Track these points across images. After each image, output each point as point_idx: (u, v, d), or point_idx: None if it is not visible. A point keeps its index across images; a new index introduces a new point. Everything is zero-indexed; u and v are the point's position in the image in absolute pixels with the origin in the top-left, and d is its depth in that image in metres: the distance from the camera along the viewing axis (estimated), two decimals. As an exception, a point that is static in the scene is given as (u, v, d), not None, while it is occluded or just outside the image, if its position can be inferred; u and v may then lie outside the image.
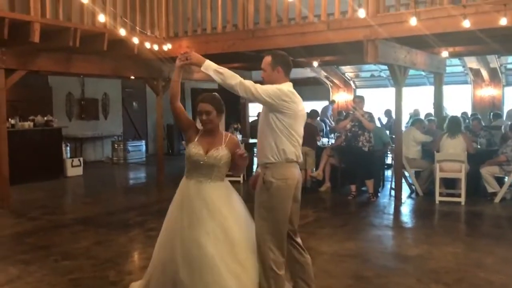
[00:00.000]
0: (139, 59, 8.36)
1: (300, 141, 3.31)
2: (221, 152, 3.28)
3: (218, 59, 9.84)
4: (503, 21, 5.24)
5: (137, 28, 7.40)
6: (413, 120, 8.89)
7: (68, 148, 11.23)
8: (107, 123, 13.60)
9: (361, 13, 5.96)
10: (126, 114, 14.36)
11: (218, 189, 3.29)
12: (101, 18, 6.22)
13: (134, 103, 14.63)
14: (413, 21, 5.60)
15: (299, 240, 3.43)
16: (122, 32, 6.59)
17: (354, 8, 6.54)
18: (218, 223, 3.17)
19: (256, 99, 3.15)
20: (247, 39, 7.43)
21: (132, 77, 10.40)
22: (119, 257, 4.91)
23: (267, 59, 3.33)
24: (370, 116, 7.83)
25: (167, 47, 7.64)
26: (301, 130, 3.32)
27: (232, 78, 3.13)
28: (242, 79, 3.14)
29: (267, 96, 3.14)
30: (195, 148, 3.29)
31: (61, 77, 11.42)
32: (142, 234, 5.87)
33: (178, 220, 3.27)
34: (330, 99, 16.36)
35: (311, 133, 8.15)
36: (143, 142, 13.87)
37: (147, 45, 7.18)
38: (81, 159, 11.08)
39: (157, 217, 6.53)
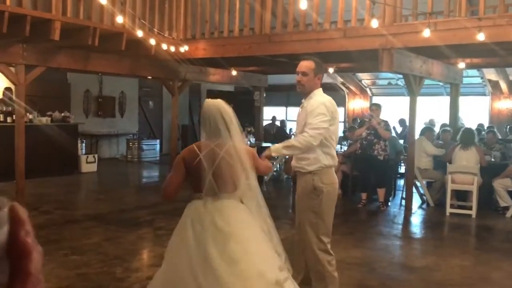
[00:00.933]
0: (156, 60, 8.46)
1: (335, 144, 3.53)
2: None
3: (234, 62, 9.99)
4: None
5: (155, 29, 7.49)
6: (422, 129, 8.79)
7: (84, 144, 11.40)
8: (123, 121, 13.77)
9: (374, 23, 5.96)
10: (142, 113, 14.53)
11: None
12: (119, 19, 6.33)
13: (150, 103, 14.80)
14: (426, 33, 5.60)
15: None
16: (140, 33, 6.69)
17: (370, 17, 6.55)
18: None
19: (318, 140, 3.31)
20: (263, 44, 7.48)
21: (149, 77, 10.53)
22: (127, 254, 4.99)
23: (310, 64, 3.46)
24: (386, 124, 7.81)
25: (184, 48, 7.72)
26: (337, 135, 3.57)
27: (298, 145, 3.32)
28: (302, 140, 3.31)
29: (323, 129, 3.32)
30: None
31: (79, 74, 11.59)
32: (152, 232, 5.95)
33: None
34: (345, 106, 16.34)
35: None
36: (158, 141, 14.01)
37: (164, 46, 7.27)
38: (96, 155, 11.24)
39: (166, 217, 6.64)
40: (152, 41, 6.87)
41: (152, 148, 13.62)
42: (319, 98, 3.43)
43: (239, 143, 2.80)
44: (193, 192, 2.86)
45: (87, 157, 10.89)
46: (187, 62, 8.62)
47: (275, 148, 3.33)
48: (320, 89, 3.55)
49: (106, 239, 5.53)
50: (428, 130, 8.62)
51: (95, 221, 6.42)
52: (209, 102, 2.92)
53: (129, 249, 5.19)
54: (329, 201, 3.42)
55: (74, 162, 10.53)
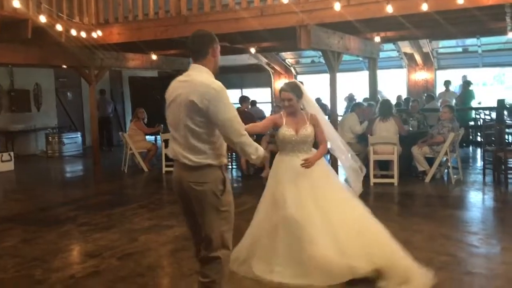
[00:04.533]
0: (68, 47, 7.99)
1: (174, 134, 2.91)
2: (309, 130, 3.98)
3: (153, 46, 9.60)
4: (424, 7, 5.40)
5: (63, 15, 7.04)
6: (353, 106, 9.01)
7: (-3, 142, 10.67)
8: (40, 115, 12.98)
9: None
10: (60, 105, 13.77)
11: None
12: (16, 3, 5.84)
13: (68, 94, 14.05)
14: (337, 6, 5.68)
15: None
16: (42, 19, 6.24)
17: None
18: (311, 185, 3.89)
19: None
20: (180, 25, 7.27)
21: (64, 66, 9.97)
22: (47, 255, 4.70)
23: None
24: None
25: (96, 34, 7.33)
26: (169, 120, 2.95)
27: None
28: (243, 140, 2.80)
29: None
30: (287, 131, 3.96)
31: (-15, 67, 10.79)
32: (75, 229, 5.65)
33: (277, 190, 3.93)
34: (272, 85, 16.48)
35: (247, 120, 8.14)
36: (79, 134, 13.36)
37: (73, 32, 6.86)
38: (12, 153, 10.54)
39: (91, 211, 6.36)
40: (59, 27, 6.44)
41: (74, 141, 12.97)
42: None
43: None
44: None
45: (2, 155, 10.19)
46: (101, 49, 8.22)
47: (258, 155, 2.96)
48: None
49: (23, 241, 5.18)
50: (357, 106, 8.82)
51: (11, 222, 6.00)
52: None
53: (49, 249, 4.89)
54: None
55: (-13, 162, 9.82)
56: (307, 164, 3.82)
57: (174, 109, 2.84)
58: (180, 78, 2.91)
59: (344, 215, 3.91)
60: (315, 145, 4.15)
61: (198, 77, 2.79)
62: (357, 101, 11.56)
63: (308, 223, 3.75)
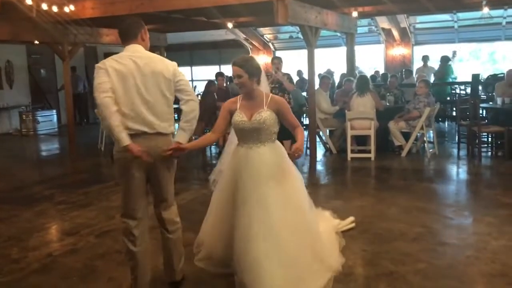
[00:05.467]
0: (40, 23, 7.75)
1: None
2: (264, 115, 3.24)
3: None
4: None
5: (33, -13, 6.81)
6: (320, 80, 8.99)
7: (-31, 121, 10.40)
8: (13, 93, 12.69)
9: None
10: (34, 83, 13.44)
11: (268, 153, 3.28)
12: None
13: (42, 71, 13.70)
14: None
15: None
16: (11, -9, 6.04)
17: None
18: (263, 192, 3.18)
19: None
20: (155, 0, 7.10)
21: (36, 42, 9.69)
22: (23, 234, 4.65)
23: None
24: (289, 77, 7.85)
25: (69, 8, 7.12)
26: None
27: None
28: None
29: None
30: (238, 116, 3.30)
31: (-46, 43, 10.43)
32: (51, 208, 5.59)
33: (229, 192, 3.34)
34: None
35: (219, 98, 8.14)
36: (54, 112, 13.10)
37: (44, 6, 6.65)
38: (-15, 132, 10.31)
39: (67, 190, 6.30)
40: (29, 1, 6.24)
41: (49, 119, 12.74)
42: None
43: None
44: None
45: (-26, 134, 9.96)
46: (74, 24, 8.00)
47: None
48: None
49: (-2, 220, 5.11)
50: (322, 79, 8.81)
51: (-15, 202, 5.90)
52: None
53: (25, 228, 4.84)
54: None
55: (-42, 141, 9.58)
56: (297, 154, 3.12)
57: (138, 81, 3.01)
58: (127, 54, 3.08)
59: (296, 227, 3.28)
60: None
61: (149, 54, 3.15)
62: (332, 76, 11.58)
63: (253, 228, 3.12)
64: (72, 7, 7.30)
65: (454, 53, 13.47)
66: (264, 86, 3.51)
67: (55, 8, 6.84)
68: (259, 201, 3.14)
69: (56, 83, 13.96)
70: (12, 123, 12.64)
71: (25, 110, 12.52)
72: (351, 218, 4.54)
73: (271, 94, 3.43)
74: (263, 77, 3.48)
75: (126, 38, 3.14)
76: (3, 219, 5.15)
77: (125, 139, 2.91)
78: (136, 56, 3.05)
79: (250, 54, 16.60)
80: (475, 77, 11.38)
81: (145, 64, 3.03)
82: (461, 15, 13.11)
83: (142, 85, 3.00)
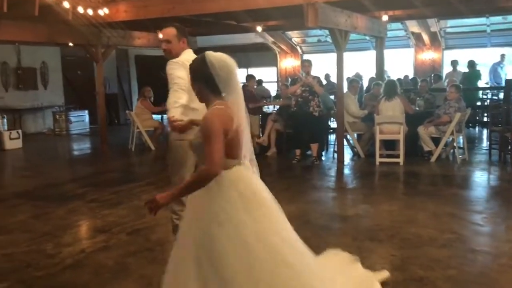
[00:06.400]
0: (75, 25, 7.98)
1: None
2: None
3: (159, 24, 9.56)
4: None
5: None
6: (348, 83, 8.94)
7: (5, 120, 10.72)
8: (47, 93, 13.03)
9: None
10: (67, 84, 13.79)
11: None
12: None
13: (78, 72, 14.05)
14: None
15: None
16: (50, -5, 6.25)
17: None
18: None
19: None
20: (186, 3, 7.24)
21: (71, 44, 9.97)
22: (57, 230, 4.79)
23: (171, 31, 3.59)
24: (319, 80, 7.87)
25: (103, 11, 7.32)
26: None
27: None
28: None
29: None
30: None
31: (-7, 45, 10.80)
32: (83, 205, 5.74)
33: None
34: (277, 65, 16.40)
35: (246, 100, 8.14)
36: (86, 113, 13.41)
37: (80, 9, 6.85)
38: (20, 131, 10.62)
39: (99, 188, 6.46)
40: (66, 4, 6.44)
41: (81, 119, 13.06)
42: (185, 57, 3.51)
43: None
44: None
45: (10, 133, 10.27)
46: (108, 27, 8.21)
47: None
48: (188, 50, 3.61)
49: (33, 216, 5.27)
50: (350, 83, 8.76)
51: (21, 198, 6.10)
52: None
53: (59, 224, 4.98)
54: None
55: (-4, 139, 9.91)
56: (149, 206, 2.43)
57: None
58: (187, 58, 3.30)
59: None
60: None
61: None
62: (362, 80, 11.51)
63: None
64: (106, 10, 7.50)
65: (503, 56, 13.10)
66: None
67: (90, 11, 7.04)
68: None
69: (88, 84, 14.27)
70: (46, 122, 13.01)
71: (58, 110, 12.86)
72: (386, 274, 3.40)
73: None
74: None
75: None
76: (38, 215, 5.32)
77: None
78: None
79: (278, 58, 16.66)
80: (509, 82, 11.14)
81: None
82: (494, 19, 12.85)
83: None
